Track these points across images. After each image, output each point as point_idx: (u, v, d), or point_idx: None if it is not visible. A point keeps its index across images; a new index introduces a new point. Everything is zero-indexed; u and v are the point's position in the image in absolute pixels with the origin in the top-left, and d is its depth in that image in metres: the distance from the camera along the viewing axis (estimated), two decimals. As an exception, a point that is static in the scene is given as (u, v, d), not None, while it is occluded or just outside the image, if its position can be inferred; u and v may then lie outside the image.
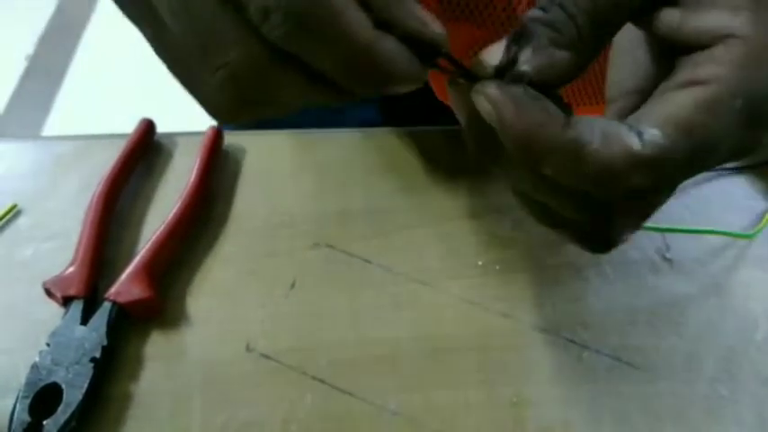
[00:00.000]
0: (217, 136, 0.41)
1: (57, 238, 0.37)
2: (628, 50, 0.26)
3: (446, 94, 0.41)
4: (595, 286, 0.36)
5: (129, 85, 1.64)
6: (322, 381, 0.32)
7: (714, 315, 0.35)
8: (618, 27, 0.23)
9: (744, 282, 0.36)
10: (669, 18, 0.23)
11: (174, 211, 0.36)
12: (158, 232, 0.35)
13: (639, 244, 0.37)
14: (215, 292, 0.35)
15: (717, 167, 0.29)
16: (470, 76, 0.24)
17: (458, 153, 0.42)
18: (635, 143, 0.21)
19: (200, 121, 0.46)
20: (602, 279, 0.36)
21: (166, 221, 0.36)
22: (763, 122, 0.23)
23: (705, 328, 0.34)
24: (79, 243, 0.35)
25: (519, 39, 0.23)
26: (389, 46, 0.20)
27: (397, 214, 0.39)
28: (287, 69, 0.21)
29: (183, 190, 0.38)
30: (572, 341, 0.34)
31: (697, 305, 0.35)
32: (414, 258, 0.37)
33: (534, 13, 0.23)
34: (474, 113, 0.23)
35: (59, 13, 1.87)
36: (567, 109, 0.22)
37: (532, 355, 0.33)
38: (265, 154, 0.42)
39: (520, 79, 0.22)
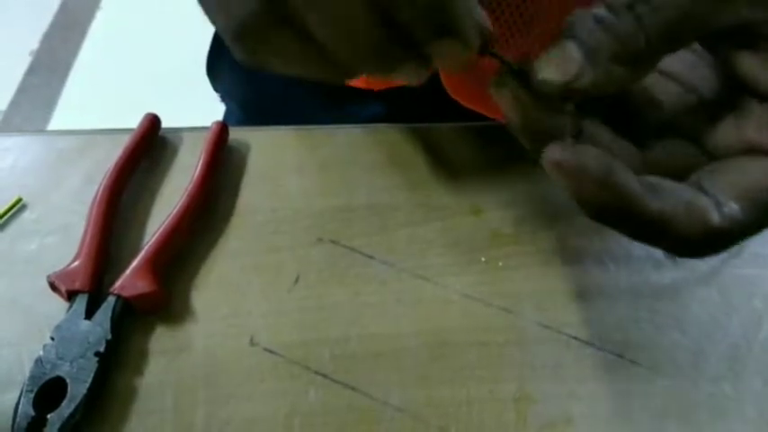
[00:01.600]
0: (221, 131, 0.41)
1: (61, 232, 0.37)
2: None
3: (459, 92, 0.41)
4: (598, 283, 0.36)
5: (133, 81, 1.64)
6: (325, 375, 0.32)
7: (718, 313, 0.35)
8: (681, 47, 0.23)
9: (748, 279, 0.36)
10: (748, 64, 0.23)
11: (179, 205, 0.37)
12: (163, 227, 0.35)
13: (643, 241, 0.37)
14: (219, 286, 0.35)
15: None
16: (519, 73, 0.23)
17: (462, 149, 0.42)
18: (715, 218, 0.22)
19: (205, 116, 0.46)
20: (605, 276, 0.36)
21: (171, 216, 0.36)
22: None
23: (709, 325, 0.34)
24: (84, 237, 0.35)
25: (575, 38, 0.21)
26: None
27: (400, 210, 0.39)
28: (284, 31, 0.22)
29: (187, 185, 0.38)
30: (575, 338, 0.34)
31: (700, 303, 0.35)
32: (417, 254, 0.37)
33: (600, 14, 0.21)
34: (527, 115, 0.23)
35: (64, 8, 1.87)
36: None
37: (535, 351, 0.33)
38: (270, 150, 0.42)
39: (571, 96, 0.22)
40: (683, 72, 0.26)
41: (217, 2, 0.23)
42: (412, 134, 0.43)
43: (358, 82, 0.44)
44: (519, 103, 0.23)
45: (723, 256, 0.37)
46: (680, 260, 0.36)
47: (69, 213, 0.38)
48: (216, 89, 0.60)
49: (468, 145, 0.42)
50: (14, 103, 1.63)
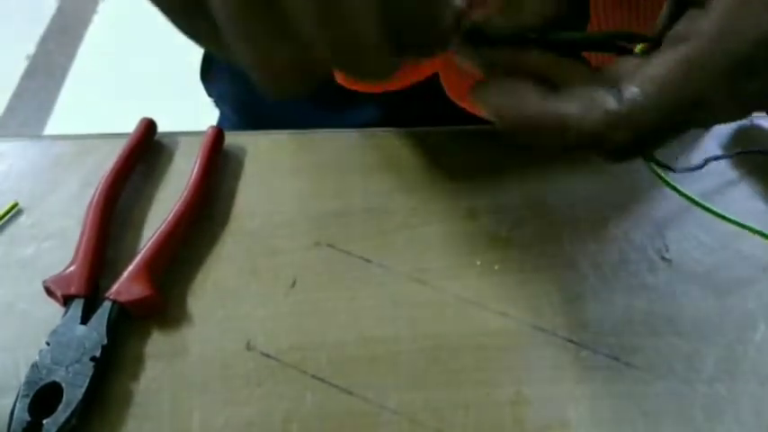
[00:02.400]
0: (217, 136, 0.41)
1: (57, 236, 0.37)
2: None
3: (459, 94, 0.41)
4: (594, 286, 0.36)
5: (130, 85, 1.64)
6: (322, 379, 0.32)
7: (713, 315, 0.35)
8: None
9: (743, 282, 0.36)
10: None
11: (175, 210, 0.37)
12: (159, 231, 0.35)
13: (638, 244, 0.38)
14: (216, 290, 0.35)
15: (714, 123, 0.30)
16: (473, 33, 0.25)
17: (457, 153, 0.42)
18: (611, 103, 0.22)
19: (201, 120, 0.46)
20: (600, 279, 0.36)
21: (167, 221, 0.36)
22: (752, 76, 0.23)
23: (704, 327, 0.34)
24: (80, 242, 0.35)
25: None
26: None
27: (396, 214, 0.39)
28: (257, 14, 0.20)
29: (183, 189, 0.38)
30: (570, 341, 0.34)
31: (695, 305, 0.35)
32: (413, 258, 0.37)
33: None
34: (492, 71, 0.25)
35: (60, 12, 1.87)
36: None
37: (531, 354, 0.33)
38: (266, 154, 0.42)
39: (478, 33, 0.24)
40: None
41: None
42: (408, 138, 0.43)
43: (355, 85, 0.44)
44: (482, 63, 0.25)
45: (715, 258, 0.37)
46: (675, 264, 0.37)
47: (65, 218, 0.38)
48: (210, 94, 0.60)
49: (464, 148, 0.42)
50: (11, 108, 1.63)
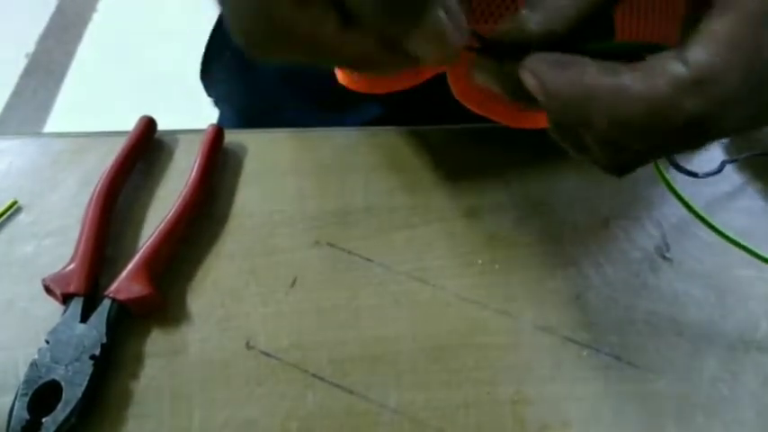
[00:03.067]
0: (217, 134, 0.40)
1: (57, 234, 0.37)
2: None
3: (468, 96, 0.41)
4: (595, 285, 0.36)
5: (130, 83, 1.64)
6: (322, 379, 0.32)
7: (714, 315, 0.35)
8: None
9: (744, 281, 0.36)
10: None
11: (175, 208, 0.36)
12: (158, 230, 0.35)
13: (639, 243, 0.37)
14: (215, 289, 0.35)
15: None
16: (492, 46, 0.24)
17: (458, 152, 0.42)
18: (678, 69, 0.20)
19: (202, 118, 0.46)
20: (601, 278, 0.36)
21: (166, 219, 0.36)
22: None
23: (706, 327, 0.34)
24: (79, 240, 0.35)
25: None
26: None
27: (397, 213, 0.39)
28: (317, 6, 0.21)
29: (183, 188, 0.38)
30: (571, 340, 0.34)
31: (697, 304, 0.35)
32: (414, 257, 0.37)
33: None
34: (513, 85, 0.24)
35: (60, 10, 1.87)
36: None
37: (532, 353, 0.33)
38: (266, 152, 0.42)
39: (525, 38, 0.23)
40: None
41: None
42: (408, 136, 0.43)
43: (359, 86, 0.44)
44: (502, 77, 0.24)
45: (717, 257, 0.37)
46: (676, 263, 0.36)
47: (65, 216, 0.37)
48: (209, 94, 0.60)
49: (465, 147, 0.42)
50: (10, 106, 1.63)
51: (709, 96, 0.20)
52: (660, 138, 0.21)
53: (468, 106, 0.42)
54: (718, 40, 0.20)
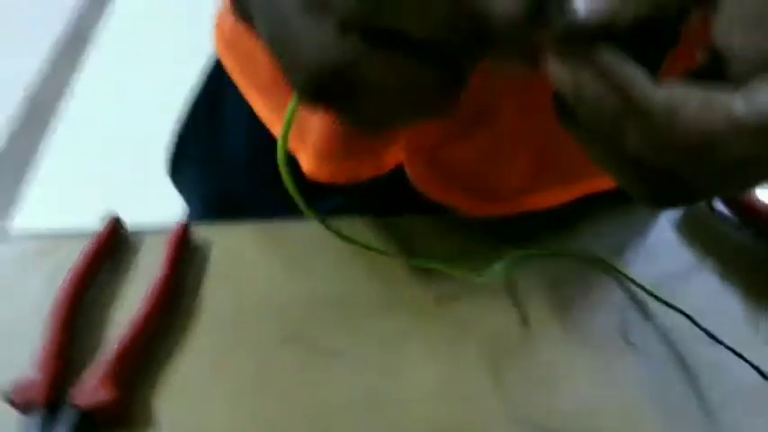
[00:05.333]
0: (184, 232, 0.41)
1: (19, 339, 0.36)
2: None
3: (425, 183, 0.42)
4: (563, 370, 0.36)
5: (97, 177, 1.64)
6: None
7: (684, 398, 0.35)
8: None
9: (711, 363, 0.36)
10: None
11: (140, 309, 0.36)
12: (124, 332, 0.35)
13: (603, 328, 0.38)
14: (183, 392, 0.35)
15: None
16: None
17: (423, 240, 0.42)
18: (739, 107, 0.18)
19: (170, 207, 0.46)
20: (568, 364, 0.36)
21: (132, 321, 0.36)
22: None
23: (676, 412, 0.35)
24: (42, 346, 0.34)
25: None
26: None
27: (366, 303, 0.39)
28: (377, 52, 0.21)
29: (150, 287, 0.37)
30: (542, 426, 0.34)
31: (663, 389, 0.35)
32: (383, 348, 0.37)
33: None
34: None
35: (30, 102, 1.88)
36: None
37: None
38: (233, 246, 0.42)
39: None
40: None
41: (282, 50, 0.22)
42: (374, 225, 0.43)
43: (322, 175, 0.45)
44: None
45: (681, 340, 0.37)
46: (639, 346, 0.37)
47: (28, 320, 0.37)
48: (180, 191, 0.60)
49: (429, 236, 0.43)
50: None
51: (760, 145, 0.19)
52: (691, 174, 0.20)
53: (426, 193, 0.43)
54: None
